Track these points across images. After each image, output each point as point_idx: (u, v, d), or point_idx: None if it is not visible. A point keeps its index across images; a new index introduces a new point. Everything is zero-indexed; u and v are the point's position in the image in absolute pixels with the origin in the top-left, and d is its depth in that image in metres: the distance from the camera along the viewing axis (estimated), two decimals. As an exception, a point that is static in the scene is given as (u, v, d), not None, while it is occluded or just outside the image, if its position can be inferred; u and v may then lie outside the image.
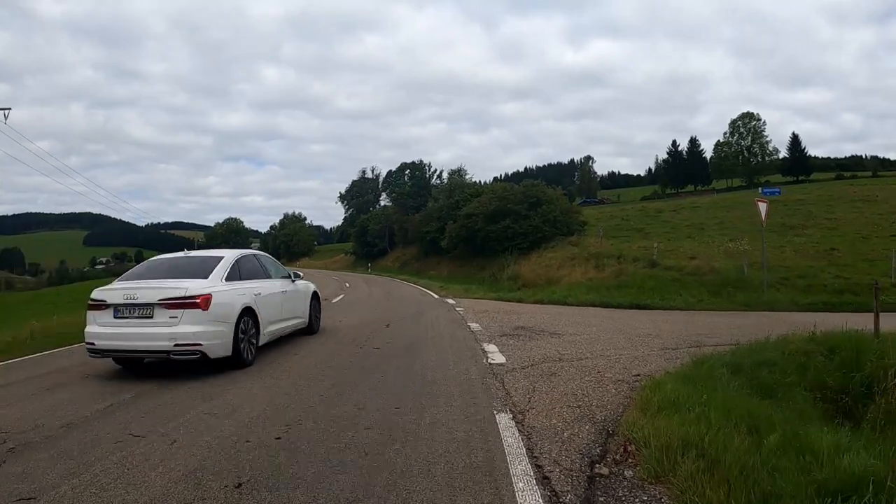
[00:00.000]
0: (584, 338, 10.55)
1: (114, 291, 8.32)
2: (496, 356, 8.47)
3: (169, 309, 7.88)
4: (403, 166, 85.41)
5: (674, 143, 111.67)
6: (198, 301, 7.96)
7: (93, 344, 8.19)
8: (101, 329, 8.17)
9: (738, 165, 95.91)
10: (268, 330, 9.62)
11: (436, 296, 23.84)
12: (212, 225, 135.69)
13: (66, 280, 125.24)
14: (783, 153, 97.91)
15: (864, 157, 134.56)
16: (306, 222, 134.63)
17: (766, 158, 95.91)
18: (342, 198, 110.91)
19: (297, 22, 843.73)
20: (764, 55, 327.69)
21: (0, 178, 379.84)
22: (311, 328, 11.89)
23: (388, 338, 10.99)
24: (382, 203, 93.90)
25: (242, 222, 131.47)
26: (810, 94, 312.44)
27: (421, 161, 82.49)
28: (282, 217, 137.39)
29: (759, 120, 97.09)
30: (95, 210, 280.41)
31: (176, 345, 7.80)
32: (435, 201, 61.05)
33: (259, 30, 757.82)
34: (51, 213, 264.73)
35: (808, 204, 49.52)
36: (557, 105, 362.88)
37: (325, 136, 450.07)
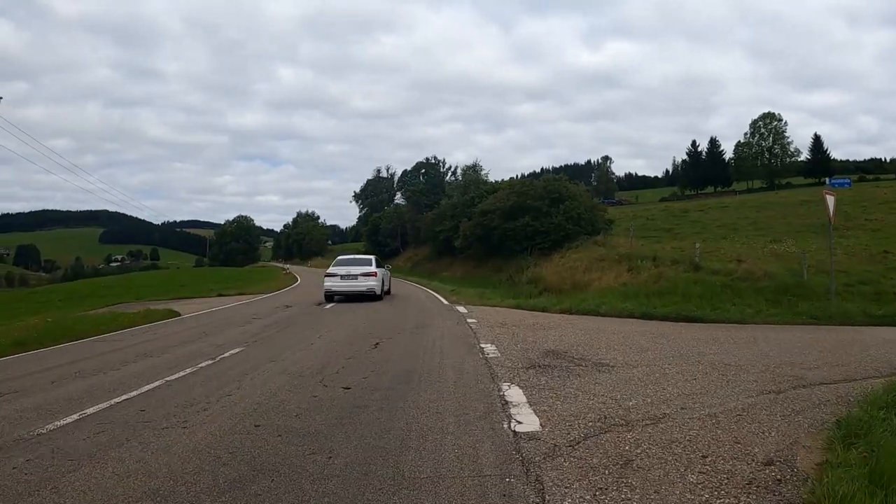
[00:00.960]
0: (644, 371, 7.49)
1: (339, 269, 20.85)
2: (524, 413, 5.35)
3: (364, 277, 20.31)
4: (419, 165, 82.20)
5: (693, 143, 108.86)
6: (374, 274, 20.51)
7: (330, 289, 20.53)
8: (334, 284, 20.48)
9: (759, 167, 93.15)
10: (384, 289, 21.91)
11: (445, 301, 20.84)
12: (223, 223, 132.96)
13: (81, 277, 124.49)
14: (805, 155, 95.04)
15: (883, 160, 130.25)
16: (319, 221, 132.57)
17: (788, 160, 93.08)
18: (356, 197, 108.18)
19: (313, 22, 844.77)
20: (779, 57, 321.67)
21: (18, 176, 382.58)
22: (389, 292, 23.42)
23: (370, 367, 7.98)
24: (397, 202, 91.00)
25: (253, 220, 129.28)
26: (826, 96, 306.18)
27: (435, 158, 79.08)
28: (294, 216, 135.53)
29: (781, 120, 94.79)
30: (112, 208, 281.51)
31: (367, 289, 20.13)
32: (449, 199, 58.01)
33: (275, 29, 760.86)
34: (67, 211, 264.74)
35: (843, 204, 46.26)
36: (573, 106, 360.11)
37: (341, 136, 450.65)
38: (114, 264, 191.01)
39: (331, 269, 21.43)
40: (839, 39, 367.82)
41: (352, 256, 25.17)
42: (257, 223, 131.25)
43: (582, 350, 9.21)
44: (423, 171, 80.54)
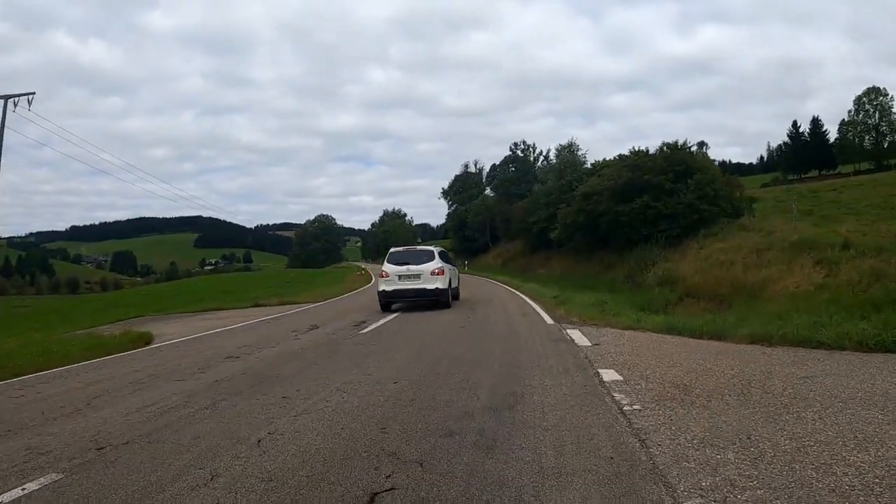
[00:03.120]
0: None
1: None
2: None
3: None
4: (508, 159, 74.20)
5: (794, 124, 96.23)
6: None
7: None
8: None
9: (867, 146, 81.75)
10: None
11: (548, 318, 13.55)
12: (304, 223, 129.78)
13: (175, 279, 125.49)
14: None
15: None
16: (406, 219, 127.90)
17: (895, 138, 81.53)
18: (445, 194, 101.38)
19: (403, 22, 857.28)
20: (881, 35, 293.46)
21: (118, 186, 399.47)
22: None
23: None
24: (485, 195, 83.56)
25: (335, 219, 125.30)
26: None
27: (524, 142, 70.15)
28: (381, 214, 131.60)
29: (887, 96, 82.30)
30: (206, 213, 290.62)
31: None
32: (542, 185, 50.82)
33: (366, 31, 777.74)
34: (164, 218, 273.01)
35: None
36: (666, 96, 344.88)
37: (434, 135, 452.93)
38: (207, 268, 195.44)
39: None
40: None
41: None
42: (350, 224, 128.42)
43: None
44: (513, 165, 72.50)
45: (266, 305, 25.06)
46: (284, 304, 25.41)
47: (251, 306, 24.98)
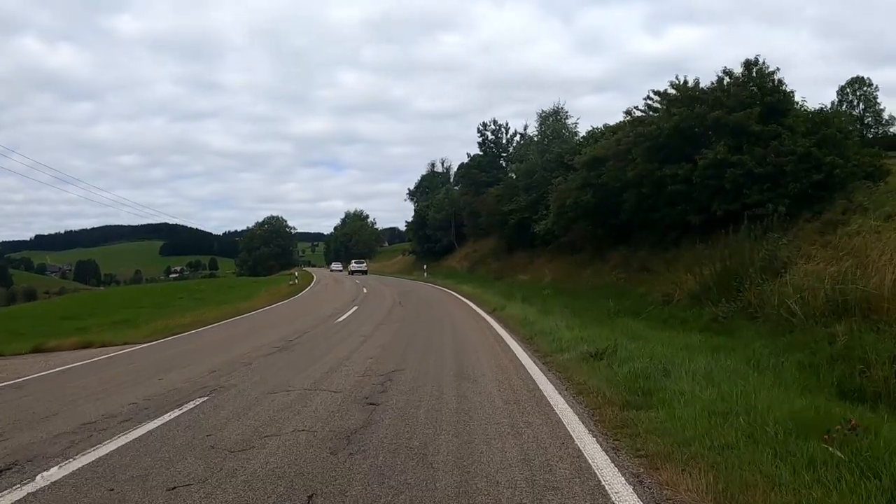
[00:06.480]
0: None
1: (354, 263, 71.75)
2: None
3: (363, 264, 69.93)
4: (476, 157, 62.92)
5: None
6: (366, 265, 69.80)
7: (351, 269, 67.81)
8: (353, 267, 68.00)
9: (854, 138, 73.84)
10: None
11: None
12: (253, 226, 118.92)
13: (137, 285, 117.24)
14: (897, 123, 76.11)
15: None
16: (368, 220, 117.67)
17: (881, 129, 73.79)
18: (411, 195, 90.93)
19: (375, 25, 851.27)
20: (851, 33, 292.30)
21: (86, 194, 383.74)
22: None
23: None
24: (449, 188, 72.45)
25: (286, 221, 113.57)
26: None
27: (494, 122, 58.38)
28: (343, 217, 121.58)
29: (871, 85, 74.36)
30: (173, 221, 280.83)
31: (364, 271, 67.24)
32: (520, 164, 39.90)
33: (338, 35, 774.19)
34: (129, 226, 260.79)
35: None
36: (638, 96, 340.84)
37: (406, 138, 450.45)
38: (172, 276, 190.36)
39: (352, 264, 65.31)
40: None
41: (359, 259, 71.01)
42: (320, 229, 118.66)
43: None
44: (482, 158, 61.21)
45: (54, 350, 13.86)
46: (86, 346, 14.21)
47: (29, 351, 13.89)
